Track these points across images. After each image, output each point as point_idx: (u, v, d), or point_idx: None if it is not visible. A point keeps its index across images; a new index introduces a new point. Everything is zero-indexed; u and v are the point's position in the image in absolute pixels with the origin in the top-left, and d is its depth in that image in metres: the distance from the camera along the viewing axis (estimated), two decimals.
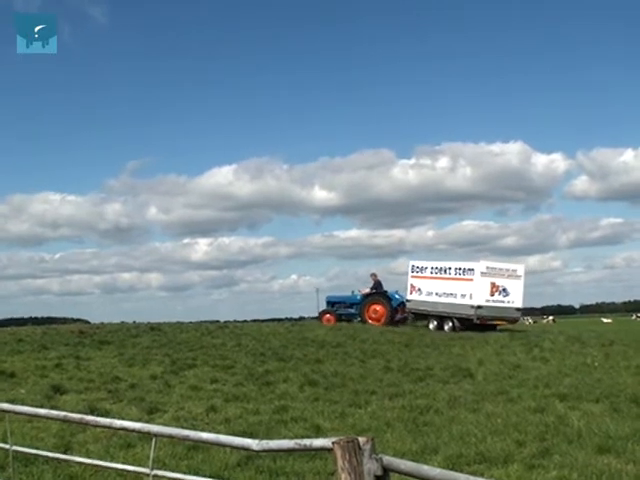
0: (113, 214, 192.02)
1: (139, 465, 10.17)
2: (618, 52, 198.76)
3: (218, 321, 51.84)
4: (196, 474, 10.92)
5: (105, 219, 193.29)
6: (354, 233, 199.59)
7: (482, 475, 11.35)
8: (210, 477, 10.39)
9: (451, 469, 10.02)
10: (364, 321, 47.98)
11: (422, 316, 48.32)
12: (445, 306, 45.68)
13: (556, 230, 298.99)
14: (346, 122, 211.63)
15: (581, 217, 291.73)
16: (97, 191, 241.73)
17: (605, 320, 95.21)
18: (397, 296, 49.84)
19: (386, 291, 49.65)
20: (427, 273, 48.01)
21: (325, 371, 24.70)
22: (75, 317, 75.01)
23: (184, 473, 10.67)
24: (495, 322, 45.06)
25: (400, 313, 49.52)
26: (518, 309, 46.33)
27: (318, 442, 6.20)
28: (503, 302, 44.64)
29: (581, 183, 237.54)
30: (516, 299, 45.31)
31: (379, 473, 5.64)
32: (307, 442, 6.29)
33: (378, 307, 48.70)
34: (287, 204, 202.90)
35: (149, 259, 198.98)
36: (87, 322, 59.77)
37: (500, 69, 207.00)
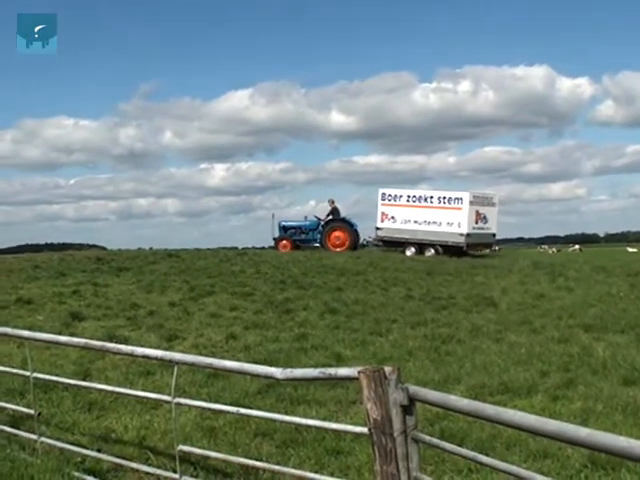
0: (127, 139, 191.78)
1: (159, 392, 10.29)
2: None
3: (236, 248, 51.83)
4: (216, 402, 11.02)
5: (119, 144, 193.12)
6: (374, 159, 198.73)
7: (505, 405, 11.38)
8: (231, 404, 10.49)
9: (474, 399, 10.06)
10: (326, 248, 48.61)
11: (394, 243, 49.62)
12: (427, 234, 47.46)
13: (580, 157, 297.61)
14: (365, 44, 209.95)
15: (606, 144, 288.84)
16: (110, 115, 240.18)
17: (630, 249, 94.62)
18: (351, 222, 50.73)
19: (345, 217, 50.33)
20: (402, 201, 49.32)
21: (345, 299, 24.74)
22: (91, 243, 75.19)
23: (204, 400, 10.80)
24: (478, 248, 49.54)
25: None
26: (494, 235, 49.90)
27: (343, 371, 6.25)
28: (483, 229, 48.11)
29: (606, 108, 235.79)
30: (492, 225, 48.97)
31: (405, 403, 5.70)
32: (332, 371, 6.35)
33: (340, 233, 49.38)
34: (304, 129, 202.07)
35: (165, 184, 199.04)
36: (103, 248, 59.98)
37: None
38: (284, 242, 50.22)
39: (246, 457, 8.74)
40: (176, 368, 7.98)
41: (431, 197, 48.48)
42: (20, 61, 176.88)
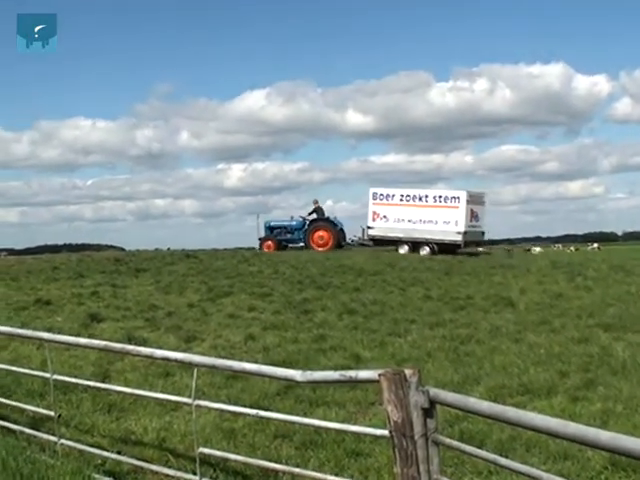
0: (144, 140, 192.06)
1: (178, 394, 10.33)
2: None
3: (254, 248, 51.93)
4: (236, 403, 11.03)
5: (137, 145, 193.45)
6: (391, 158, 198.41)
7: (525, 407, 11.37)
8: (250, 406, 10.51)
9: (494, 400, 10.07)
10: (309, 247, 49.35)
11: (386, 242, 50.31)
12: (423, 232, 48.43)
13: (598, 155, 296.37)
14: (381, 43, 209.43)
15: (623, 141, 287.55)
16: (127, 116, 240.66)
17: None
18: (336, 220, 51.45)
19: (329, 217, 51.00)
20: (395, 200, 50.05)
21: (364, 299, 24.74)
22: (109, 244, 75.38)
23: (224, 402, 10.82)
24: (471, 245, 50.68)
25: (341, 239, 51.32)
26: (483, 232, 51.53)
27: (364, 374, 6.25)
28: (476, 227, 49.75)
29: (623, 106, 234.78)
30: (483, 224, 50.83)
31: (426, 405, 5.69)
32: (352, 374, 6.35)
33: (323, 233, 50.05)
34: (321, 128, 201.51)
35: (182, 185, 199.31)
36: (122, 249, 60.23)
37: None
38: (268, 242, 50.95)
39: (266, 459, 8.75)
40: (196, 371, 8.00)
41: (426, 196, 49.44)
42: (37, 63, 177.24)
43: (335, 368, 13.83)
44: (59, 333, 13.82)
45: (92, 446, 9.59)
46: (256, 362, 12.39)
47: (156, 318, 21.24)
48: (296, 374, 6.84)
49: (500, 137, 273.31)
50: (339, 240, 50.51)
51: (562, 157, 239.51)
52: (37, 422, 10.78)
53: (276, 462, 8.67)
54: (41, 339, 11.01)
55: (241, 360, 12.28)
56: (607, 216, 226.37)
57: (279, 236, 51.63)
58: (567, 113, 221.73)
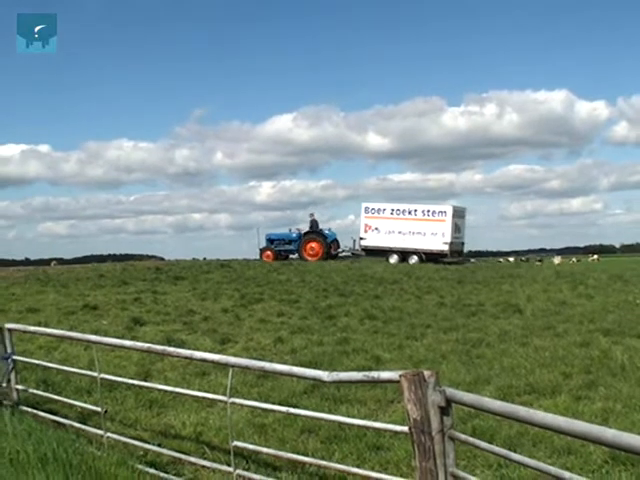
0: (182, 159, 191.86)
1: (214, 392, 10.35)
2: None
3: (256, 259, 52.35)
4: (266, 401, 11.02)
5: (175, 164, 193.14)
6: (407, 177, 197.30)
7: (531, 405, 11.31)
8: (279, 403, 10.49)
9: (502, 399, 10.02)
10: (302, 258, 49.97)
11: (378, 252, 51.22)
12: (412, 243, 49.73)
13: (598, 174, 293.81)
14: (398, 71, 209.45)
15: (621, 162, 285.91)
16: (167, 138, 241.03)
17: None
18: (329, 232, 52.20)
19: (322, 229, 51.63)
20: (386, 214, 51.14)
21: (383, 306, 24.72)
22: (150, 254, 75.58)
23: (255, 400, 10.81)
24: (454, 255, 51.31)
25: (333, 249, 52.05)
26: (463, 243, 53.07)
27: (385, 375, 6.23)
28: (458, 238, 51.25)
29: (621, 129, 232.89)
30: (463, 235, 52.53)
31: (442, 404, 5.67)
32: (375, 374, 6.33)
33: (314, 244, 50.79)
34: (344, 149, 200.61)
35: (217, 201, 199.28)
36: (162, 259, 60.24)
37: (545, 20, 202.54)
38: (267, 252, 51.73)
39: (294, 452, 8.73)
40: (231, 371, 7.99)
41: (415, 210, 50.51)
42: (87, 89, 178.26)
43: (357, 369, 13.83)
44: (105, 336, 13.86)
45: (135, 439, 9.60)
46: (285, 363, 12.44)
47: (193, 322, 21.30)
48: (323, 375, 6.82)
49: (508, 157, 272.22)
50: (329, 251, 51.06)
51: (565, 176, 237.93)
52: (85, 417, 10.83)
53: (303, 455, 8.65)
54: (89, 341, 11.04)
55: (271, 361, 12.29)
56: (606, 230, 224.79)
57: (278, 247, 52.31)
58: (569, 135, 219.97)
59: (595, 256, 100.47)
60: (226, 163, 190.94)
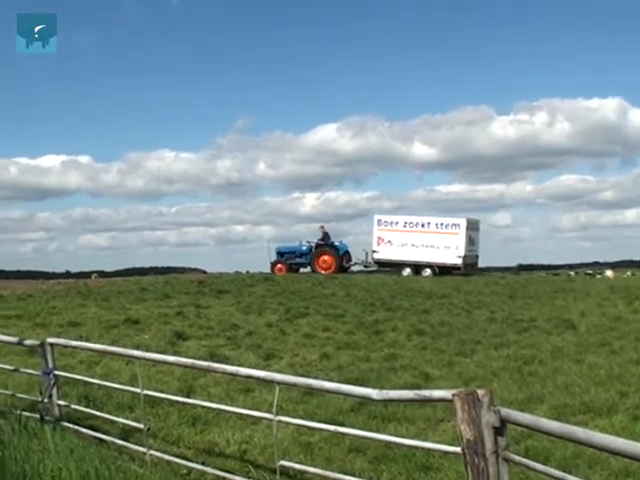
0: (224, 170, 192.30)
1: (258, 409, 10.33)
2: None
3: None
4: (312, 418, 10.99)
5: (217, 175, 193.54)
6: (456, 188, 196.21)
7: (587, 425, 11.20)
8: (326, 421, 10.46)
9: (557, 419, 9.92)
10: (314, 270, 49.91)
11: (391, 265, 51.47)
12: (425, 256, 49.56)
13: None
14: (446, 79, 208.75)
15: None
16: (208, 148, 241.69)
17: None
18: (340, 245, 52.08)
19: (333, 242, 51.49)
20: (399, 227, 51.12)
21: (432, 321, 24.63)
22: (192, 266, 75.94)
23: (301, 417, 10.78)
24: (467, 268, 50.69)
25: (345, 261, 51.90)
26: (477, 256, 52.61)
27: (438, 394, 6.18)
28: (472, 251, 51.18)
29: None
30: (477, 248, 52.34)
31: (497, 425, 5.61)
32: (427, 393, 6.28)
33: (327, 257, 50.73)
34: (389, 159, 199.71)
35: (260, 212, 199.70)
36: (204, 271, 60.49)
37: (597, 26, 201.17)
38: (279, 266, 51.48)
39: (341, 472, 8.68)
40: (278, 388, 7.99)
41: (428, 223, 50.59)
42: (127, 99, 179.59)
43: (405, 386, 13.79)
44: (147, 350, 13.93)
45: (178, 457, 9.61)
46: (331, 380, 12.37)
47: (237, 337, 21.35)
48: (372, 392, 6.79)
49: (559, 167, 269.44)
50: (342, 264, 51.10)
51: (618, 186, 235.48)
52: (127, 433, 10.82)
53: (351, 475, 8.58)
54: (132, 357, 11.08)
55: (317, 377, 12.28)
56: None
57: (289, 260, 52.18)
58: (623, 144, 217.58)
59: None
60: (269, 174, 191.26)
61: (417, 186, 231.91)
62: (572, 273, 75.64)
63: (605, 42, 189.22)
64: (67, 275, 68.83)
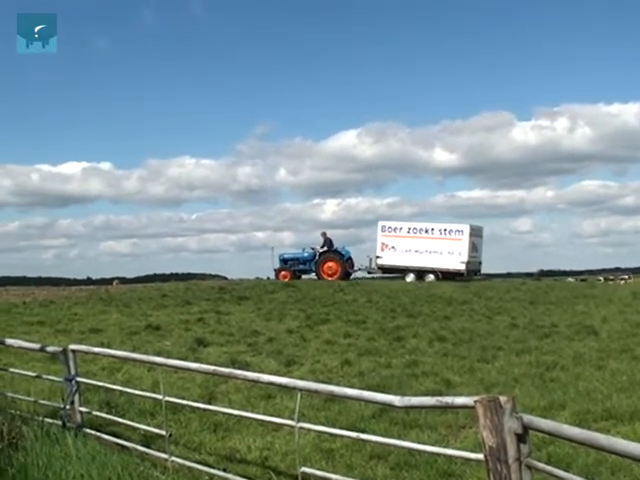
0: (244, 176, 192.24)
1: (279, 415, 10.35)
2: None
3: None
4: (334, 425, 10.99)
5: (237, 181, 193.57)
6: (476, 193, 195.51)
7: (609, 432, 11.14)
8: (347, 428, 10.44)
9: (578, 425, 9.87)
10: (320, 277, 50.17)
11: (394, 270, 52.15)
12: (429, 261, 50.18)
13: None
14: (466, 85, 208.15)
15: None
16: (229, 155, 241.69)
17: None
18: (344, 250, 52.16)
19: (337, 248, 51.63)
20: (403, 233, 51.73)
21: (453, 327, 24.60)
22: (213, 273, 76.05)
23: (323, 424, 10.78)
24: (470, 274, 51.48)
25: (349, 267, 52.10)
26: (480, 262, 53.32)
27: (460, 400, 6.17)
28: (475, 257, 51.85)
29: None
30: (480, 254, 53.03)
31: (519, 431, 5.60)
32: (449, 400, 6.28)
33: (332, 264, 50.86)
34: (410, 166, 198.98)
35: (280, 219, 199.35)
36: (224, 278, 60.61)
37: (618, 31, 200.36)
38: (284, 273, 51.56)
39: (362, 479, 8.69)
40: (299, 395, 7.99)
41: (432, 229, 51.10)
42: (148, 106, 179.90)
43: (427, 392, 13.75)
44: (168, 357, 13.94)
45: (200, 463, 9.63)
46: (352, 386, 12.38)
47: (258, 343, 21.39)
48: (394, 399, 6.78)
49: (580, 173, 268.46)
50: (346, 269, 51.30)
51: None
52: (148, 440, 10.85)
53: None
54: (154, 363, 11.11)
55: (338, 384, 12.29)
56: None
57: (293, 267, 52.20)
58: None
59: None
60: (289, 180, 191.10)
61: (438, 192, 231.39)
62: (601, 279, 75.07)
63: (626, 47, 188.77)
64: (88, 281, 69.32)
